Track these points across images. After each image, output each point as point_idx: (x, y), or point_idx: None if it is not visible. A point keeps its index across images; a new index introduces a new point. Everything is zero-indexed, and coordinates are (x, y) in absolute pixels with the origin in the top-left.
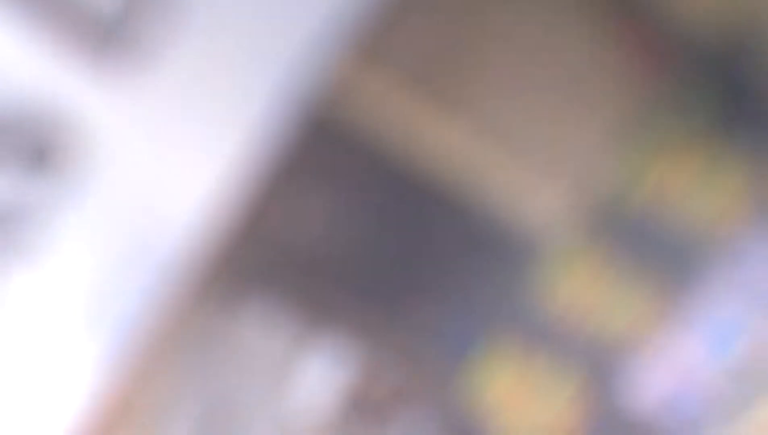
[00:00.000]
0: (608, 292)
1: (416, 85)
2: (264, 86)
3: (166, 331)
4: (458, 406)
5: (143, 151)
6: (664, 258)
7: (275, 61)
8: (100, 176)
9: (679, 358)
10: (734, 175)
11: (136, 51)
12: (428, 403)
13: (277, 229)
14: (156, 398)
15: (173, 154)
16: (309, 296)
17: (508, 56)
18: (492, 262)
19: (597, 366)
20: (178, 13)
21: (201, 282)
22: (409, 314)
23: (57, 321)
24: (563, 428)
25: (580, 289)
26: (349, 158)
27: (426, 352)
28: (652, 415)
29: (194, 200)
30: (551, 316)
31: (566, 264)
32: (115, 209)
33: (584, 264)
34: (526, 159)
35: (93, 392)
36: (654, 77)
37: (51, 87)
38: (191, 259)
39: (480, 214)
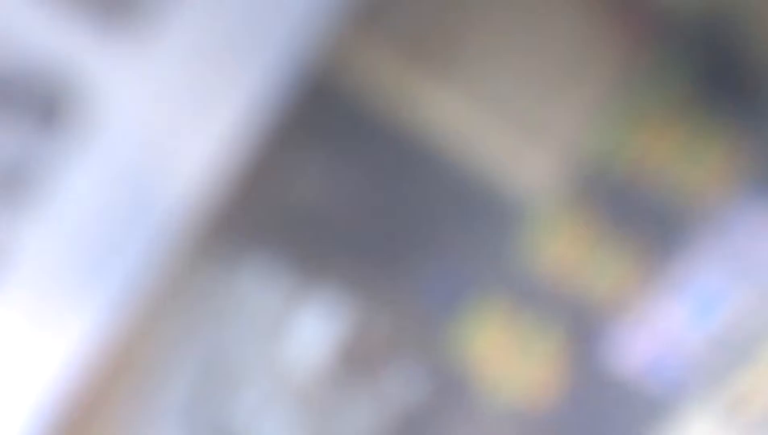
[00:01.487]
0: (592, 256)
1: (410, 51)
2: (264, 53)
3: (167, 284)
4: (446, 358)
5: (147, 111)
6: (648, 224)
7: (275, 29)
8: (104, 135)
9: (661, 324)
10: (718, 145)
11: (141, 12)
12: (417, 354)
13: (274, 189)
14: (156, 350)
15: (176, 114)
16: (304, 253)
17: (499, 23)
18: (481, 222)
19: (580, 326)
20: None
21: (201, 238)
22: (400, 270)
23: (59, 274)
24: (545, 382)
25: (565, 251)
26: (344, 122)
27: (416, 307)
28: (633, 377)
29: (195, 160)
30: (536, 276)
31: (552, 226)
32: (118, 167)
33: (569, 227)
34: (515, 123)
35: (93, 343)
36: (639, 46)
37: (57, 46)
38: (192, 216)
39: (470, 176)
